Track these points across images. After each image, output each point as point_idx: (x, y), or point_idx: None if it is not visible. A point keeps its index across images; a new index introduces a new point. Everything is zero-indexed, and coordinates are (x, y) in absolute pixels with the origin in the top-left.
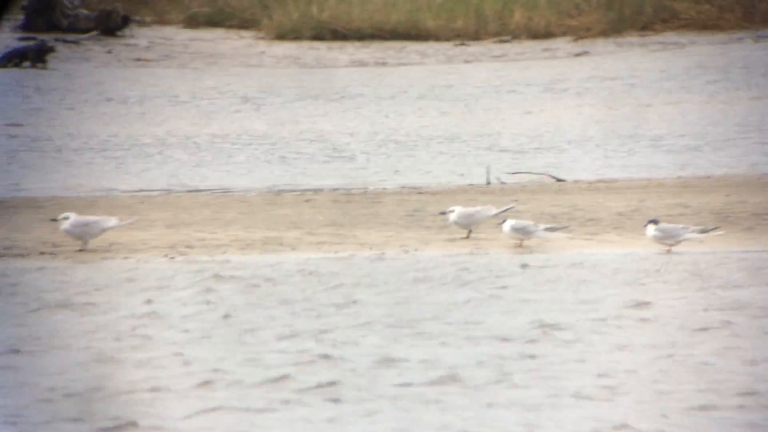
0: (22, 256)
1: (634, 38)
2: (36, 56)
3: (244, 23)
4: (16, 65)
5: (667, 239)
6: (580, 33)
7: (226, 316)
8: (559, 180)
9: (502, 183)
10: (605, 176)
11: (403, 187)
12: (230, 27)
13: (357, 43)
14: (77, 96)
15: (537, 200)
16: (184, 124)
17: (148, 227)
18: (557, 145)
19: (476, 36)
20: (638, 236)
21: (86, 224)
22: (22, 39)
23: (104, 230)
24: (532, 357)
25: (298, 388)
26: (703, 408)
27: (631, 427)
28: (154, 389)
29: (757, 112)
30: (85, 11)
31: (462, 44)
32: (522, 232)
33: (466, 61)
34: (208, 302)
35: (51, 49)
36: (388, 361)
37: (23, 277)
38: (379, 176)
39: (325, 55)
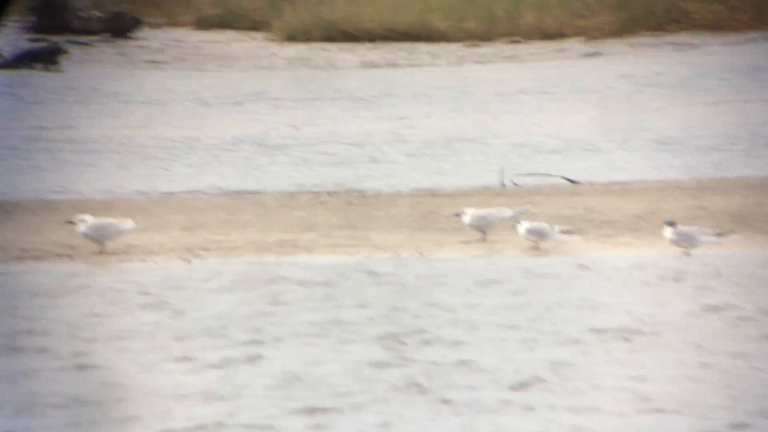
0: (38, 258)
1: (646, 38)
2: (48, 58)
3: (255, 25)
4: (28, 67)
5: (684, 242)
6: (592, 33)
7: None
8: (573, 182)
9: (516, 185)
10: (620, 178)
11: (417, 189)
12: (241, 29)
13: (368, 45)
14: (91, 98)
15: (551, 202)
16: (196, 126)
17: (164, 229)
18: (571, 146)
19: (487, 37)
20: (655, 239)
21: (103, 227)
22: (32, 40)
23: (121, 233)
24: None
25: None
26: None
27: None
28: None
29: None
30: (96, 13)
31: (473, 45)
32: (537, 235)
33: (477, 62)
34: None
35: (63, 51)
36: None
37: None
38: (393, 178)
39: (336, 57)
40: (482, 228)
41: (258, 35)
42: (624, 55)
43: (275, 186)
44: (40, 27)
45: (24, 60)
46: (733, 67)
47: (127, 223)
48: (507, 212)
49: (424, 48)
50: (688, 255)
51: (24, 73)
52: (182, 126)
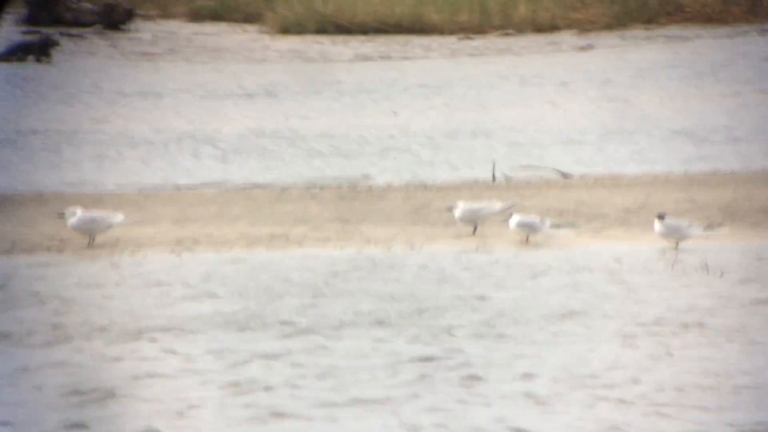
0: (27, 251)
1: (638, 31)
2: (40, 50)
3: (248, 17)
4: (20, 59)
5: (674, 235)
6: (585, 26)
7: None
8: (564, 175)
9: (508, 178)
10: (611, 171)
11: (408, 183)
12: (234, 21)
13: (361, 37)
14: (82, 90)
15: (543, 196)
16: (188, 119)
17: (154, 222)
18: (562, 140)
19: (480, 30)
20: (645, 232)
21: (93, 220)
22: (25, 33)
23: (111, 226)
24: None
25: None
26: None
27: None
28: None
29: (764, 105)
30: (89, 5)
31: (466, 38)
32: (528, 228)
33: (471, 55)
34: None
35: (55, 43)
36: None
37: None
38: (385, 172)
39: (329, 49)
40: (473, 221)
41: (251, 28)
42: (617, 47)
43: (266, 179)
44: (33, 19)
45: (16, 52)
46: (726, 60)
47: (117, 217)
48: (498, 206)
49: (417, 41)
50: (675, 248)
51: (16, 66)
52: (174, 119)
